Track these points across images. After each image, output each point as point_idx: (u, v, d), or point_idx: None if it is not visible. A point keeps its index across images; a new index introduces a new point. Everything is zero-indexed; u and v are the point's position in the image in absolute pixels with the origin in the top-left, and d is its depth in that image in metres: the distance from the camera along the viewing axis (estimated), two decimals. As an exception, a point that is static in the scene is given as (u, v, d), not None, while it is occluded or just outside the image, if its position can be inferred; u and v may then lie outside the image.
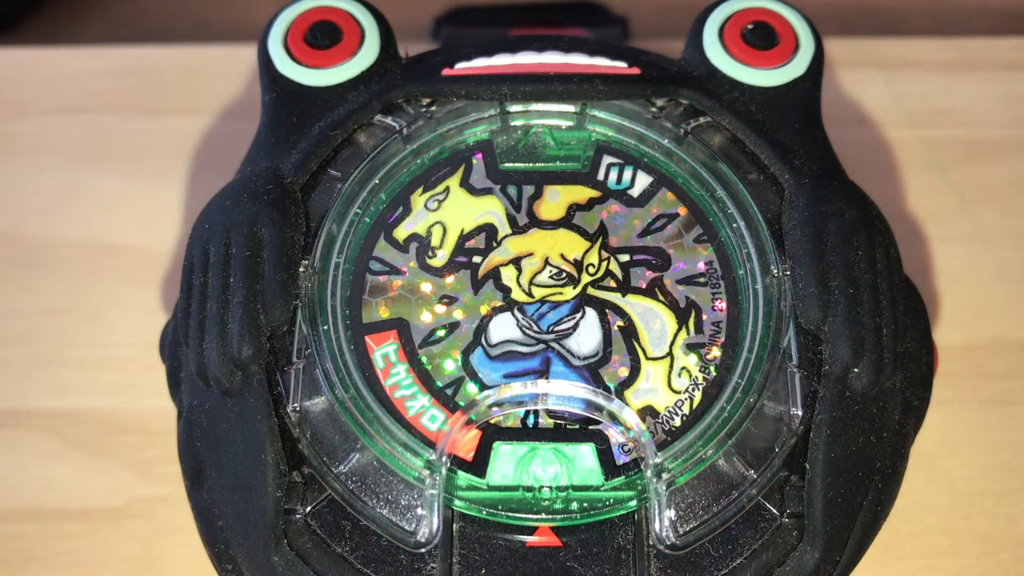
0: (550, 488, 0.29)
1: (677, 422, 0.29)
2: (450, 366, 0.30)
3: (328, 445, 0.29)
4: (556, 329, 0.30)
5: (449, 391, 0.29)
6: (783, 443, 0.29)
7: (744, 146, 0.33)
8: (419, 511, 0.28)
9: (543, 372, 0.30)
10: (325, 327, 0.30)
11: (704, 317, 0.30)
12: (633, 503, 0.28)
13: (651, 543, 0.28)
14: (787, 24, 0.34)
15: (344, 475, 0.29)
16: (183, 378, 0.30)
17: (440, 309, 0.31)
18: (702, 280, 0.31)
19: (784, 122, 0.33)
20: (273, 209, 0.30)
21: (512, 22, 0.43)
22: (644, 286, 0.31)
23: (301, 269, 0.30)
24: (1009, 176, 0.41)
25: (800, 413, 0.29)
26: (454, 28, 0.44)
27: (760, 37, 0.34)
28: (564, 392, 0.29)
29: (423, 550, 0.28)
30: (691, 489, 0.29)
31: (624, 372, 0.30)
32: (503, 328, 0.30)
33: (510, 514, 0.28)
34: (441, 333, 0.30)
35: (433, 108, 0.33)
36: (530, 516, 0.28)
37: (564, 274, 0.31)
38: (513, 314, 0.30)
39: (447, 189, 0.32)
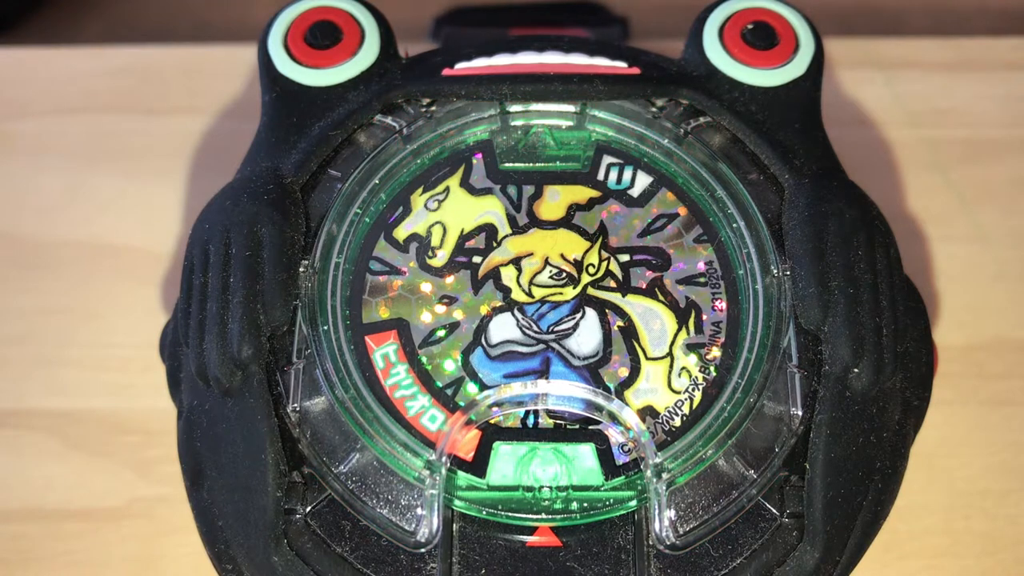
0: (550, 488, 0.29)
1: (677, 422, 0.29)
2: (450, 366, 0.30)
3: (328, 445, 0.29)
4: (556, 329, 0.30)
5: (449, 391, 0.29)
6: (783, 443, 0.29)
7: (744, 146, 0.33)
8: (419, 511, 0.28)
9: (543, 372, 0.30)
10: (325, 327, 0.30)
11: (704, 317, 0.30)
12: (633, 503, 0.28)
13: (651, 543, 0.28)
14: (787, 24, 0.34)
15: (344, 475, 0.29)
16: (183, 378, 0.30)
17: (440, 309, 0.31)
18: (702, 280, 0.31)
19: (784, 122, 0.33)
20: (273, 209, 0.30)
21: (512, 22, 0.43)
22: (644, 286, 0.31)
23: (301, 269, 0.30)
24: (1009, 176, 0.41)
25: (800, 413, 0.29)
26: (454, 28, 0.44)
27: (760, 37, 0.34)
28: (564, 392, 0.29)
29: (423, 550, 0.28)
30: (691, 489, 0.29)
31: (624, 372, 0.30)
32: (503, 328, 0.30)
33: (510, 514, 0.28)
34: (441, 333, 0.30)
35: (433, 108, 0.33)
36: (530, 516, 0.28)
37: (564, 274, 0.31)
38: (513, 314, 0.30)
39: (447, 189, 0.32)
